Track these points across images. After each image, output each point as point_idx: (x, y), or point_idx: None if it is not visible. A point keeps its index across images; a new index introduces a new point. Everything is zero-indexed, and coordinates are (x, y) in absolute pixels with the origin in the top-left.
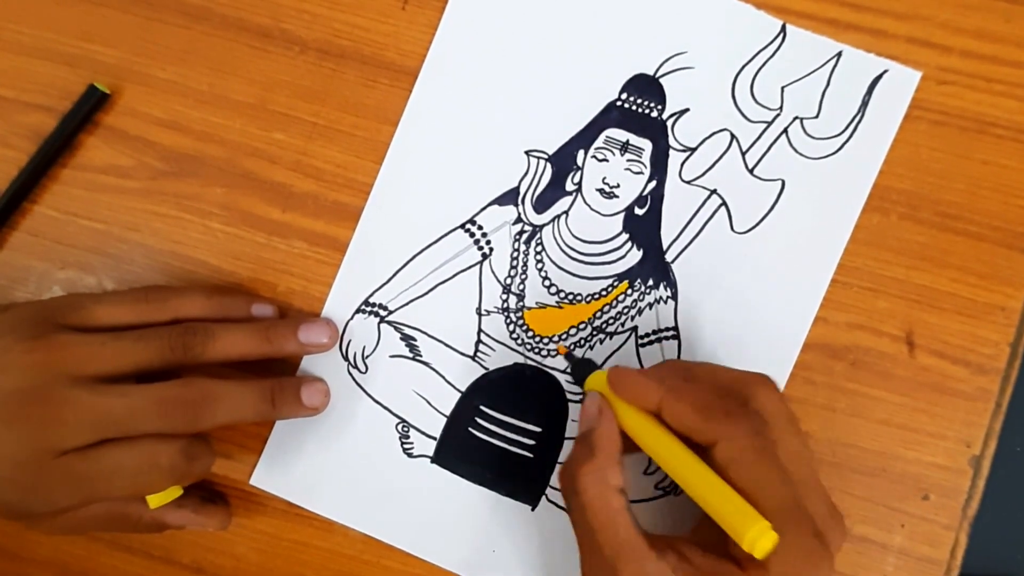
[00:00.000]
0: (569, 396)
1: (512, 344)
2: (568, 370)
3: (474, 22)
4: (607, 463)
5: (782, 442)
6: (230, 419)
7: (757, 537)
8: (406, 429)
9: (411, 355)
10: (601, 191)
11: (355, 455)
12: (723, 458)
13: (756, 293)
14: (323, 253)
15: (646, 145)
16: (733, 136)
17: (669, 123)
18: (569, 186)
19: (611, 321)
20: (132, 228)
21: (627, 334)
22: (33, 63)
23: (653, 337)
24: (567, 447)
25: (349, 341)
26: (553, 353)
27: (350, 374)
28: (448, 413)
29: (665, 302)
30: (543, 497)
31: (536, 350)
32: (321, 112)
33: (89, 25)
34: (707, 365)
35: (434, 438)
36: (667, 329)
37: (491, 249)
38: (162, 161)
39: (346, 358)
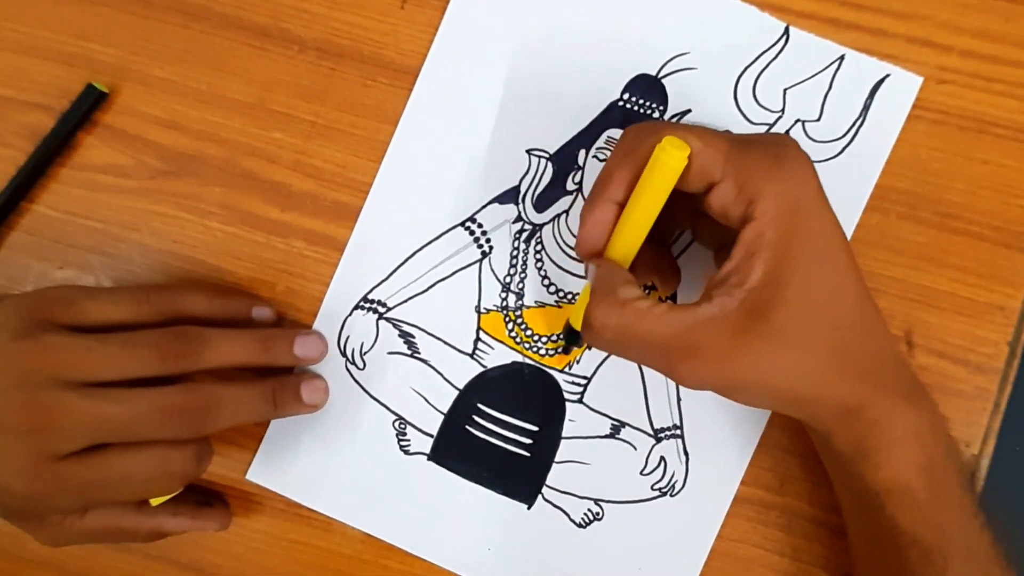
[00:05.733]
0: (567, 395)
1: (511, 342)
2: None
3: (476, 21)
4: (609, 288)
5: None
6: (233, 422)
7: (661, 147)
8: (403, 426)
9: (409, 352)
10: None
11: (352, 452)
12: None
13: None
14: (322, 252)
15: None
16: None
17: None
18: (570, 186)
19: None
20: (131, 227)
21: None
22: (31, 62)
23: None
24: (564, 447)
25: (347, 337)
26: (551, 352)
27: (348, 370)
28: (445, 411)
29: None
30: (539, 496)
31: (535, 349)
32: (320, 111)
33: (87, 24)
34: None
35: (431, 435)
36: None
37: (491, 247)
38: (161, 160)
39: (344, 354)
